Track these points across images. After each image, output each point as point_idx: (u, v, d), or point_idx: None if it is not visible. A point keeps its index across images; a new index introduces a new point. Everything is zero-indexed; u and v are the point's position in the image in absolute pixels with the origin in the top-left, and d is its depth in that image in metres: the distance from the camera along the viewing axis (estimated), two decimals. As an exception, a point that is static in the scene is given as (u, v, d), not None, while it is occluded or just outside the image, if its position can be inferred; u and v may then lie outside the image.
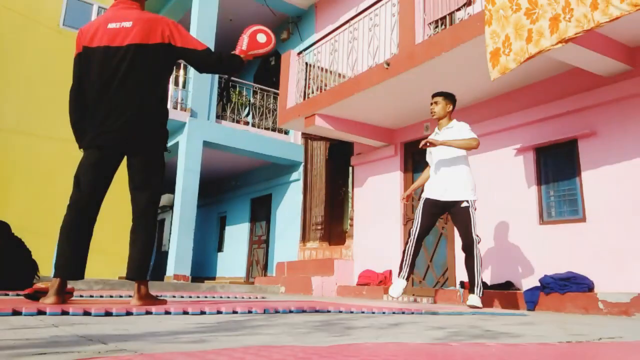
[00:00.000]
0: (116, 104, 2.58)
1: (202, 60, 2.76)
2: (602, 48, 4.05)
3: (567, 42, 3.54)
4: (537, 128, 5.07)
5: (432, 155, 4.27)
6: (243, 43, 2.94)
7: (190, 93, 8.01)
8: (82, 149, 2.69)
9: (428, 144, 4.01)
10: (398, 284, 4.12)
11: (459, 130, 4.07)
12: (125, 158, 2.70)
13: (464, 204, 4.01)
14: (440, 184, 4.11)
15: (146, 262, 2.59)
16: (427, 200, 4.15)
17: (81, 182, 2.57)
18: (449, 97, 4.22)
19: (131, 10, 2.72)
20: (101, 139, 2.58)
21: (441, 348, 1.33)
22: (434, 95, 4.26)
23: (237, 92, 9.11)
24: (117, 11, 2.72)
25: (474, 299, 3.90)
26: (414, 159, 6.61)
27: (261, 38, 2.99)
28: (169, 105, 7.73)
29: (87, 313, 1.99)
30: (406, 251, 4.15)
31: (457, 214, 4.03)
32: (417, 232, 4.12)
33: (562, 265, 4.54)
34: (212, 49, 7.85)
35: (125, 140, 2.59)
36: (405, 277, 4.11)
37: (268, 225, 9.76)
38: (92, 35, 2.67)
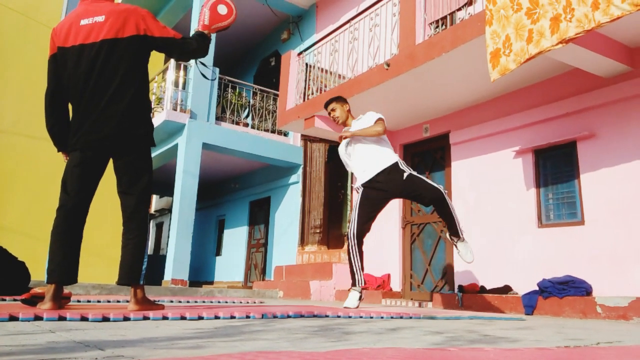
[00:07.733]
0: (94, 104, 2.50)
1: (183, 49, 2.68)
2: (603, 49, 4.04)
3: (568, 43, 3.54)
4: (536, 130, 5.07)
5: (349, 151, 4.14)
6: (205, 17, 2.78)
7: (190, 94, 7.99)
8: (60, 152, 2.65)
9: (344, 137, 3.97)
10: (352, 296, 3.83)
11: (367, 118, 4.03)
12: (111, 161, 2.62)
13: (394, 172, 3.85)
14: (359, 168, 4.03)
15: (137, 266, 2.50)
16: (362, 192, 3.99)
17: (67, 185, 2.52)
18: (341, 99, 4.25)
19: (103, 2, 2.62)
20: (81, 142, 2.51)
21: (439, 353, 1.32)
22: (326, 105, 4.23)
23: (236, 93, 9.10)
24: (88, 6, 2.62)
25: (465, 247, 3.93)
26: (414, 161, 6.60)
27: (222, 10, 2.82)
28: (169, 107, 7.71)
29: (84, 318, 1.98)
30: (352, 257, 3.89)
31: (398, 185, 3.83)
32: (354, 229, 3.88)
33: (560, 269, 4.53)
34: (213, 48, 7.89)
35: (106, 141, 2.51)
36: (360, 283, 3.85)
37: (267, 228, 9.72)
38: (65, 34, 2.58)
